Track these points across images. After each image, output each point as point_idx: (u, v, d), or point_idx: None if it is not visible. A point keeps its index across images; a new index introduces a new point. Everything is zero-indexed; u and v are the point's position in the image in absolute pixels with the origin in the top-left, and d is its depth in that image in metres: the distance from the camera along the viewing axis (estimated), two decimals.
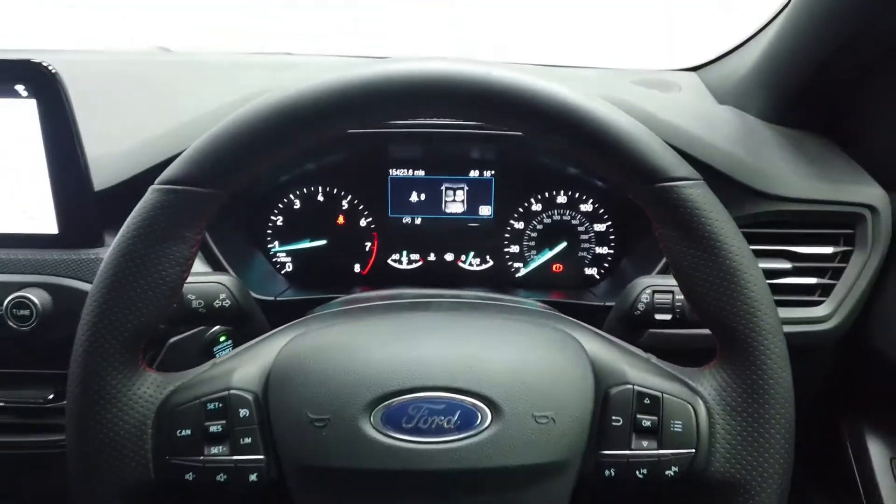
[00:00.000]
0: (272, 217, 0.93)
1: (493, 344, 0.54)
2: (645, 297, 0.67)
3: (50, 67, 0.68)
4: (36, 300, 0.69)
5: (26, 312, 0.69)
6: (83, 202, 0.73)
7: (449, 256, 0.96)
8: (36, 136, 0.71)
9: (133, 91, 0.95)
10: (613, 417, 0.52)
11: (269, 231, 0.94)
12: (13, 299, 0.69)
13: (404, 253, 0.95)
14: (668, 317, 0.67)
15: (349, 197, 0.93)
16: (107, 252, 0.51)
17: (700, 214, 0.50)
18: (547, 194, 0.93)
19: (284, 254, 0.95)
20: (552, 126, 0.49)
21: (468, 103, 0.49)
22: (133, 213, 0.51)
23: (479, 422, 0.51)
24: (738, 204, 0.79)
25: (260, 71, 0.98)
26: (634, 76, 1.02)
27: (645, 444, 0.52)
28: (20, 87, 0.70)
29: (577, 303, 0.87)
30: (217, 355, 0.59)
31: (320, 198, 0.93)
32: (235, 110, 0.50)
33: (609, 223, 0.94)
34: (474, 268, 0.96)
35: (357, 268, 0.96)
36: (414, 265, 0.96)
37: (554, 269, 0.95)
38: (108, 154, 0.79)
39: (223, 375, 0.53)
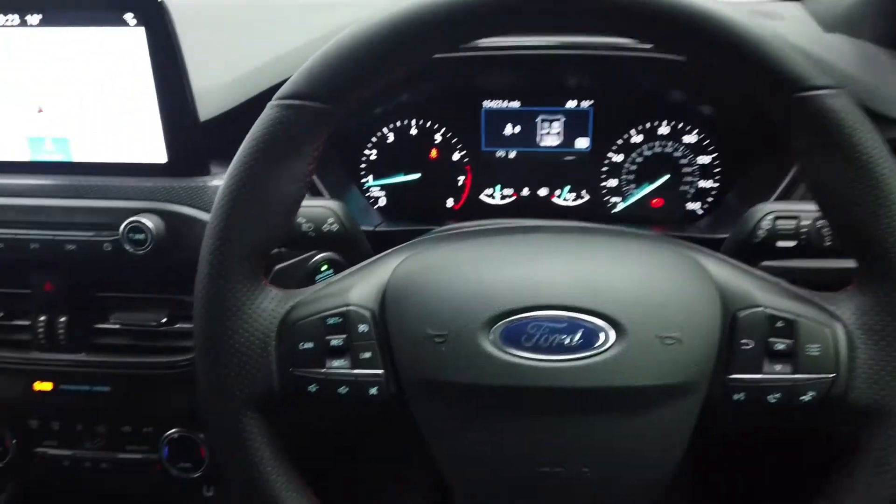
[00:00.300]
0: (366, 151, 0.93)
1: (613, 264, 0.53)
2: (766, 224, 0.64)
3: None
4: (150, 225, 0.71)
5: (141, 237, 0.71)
6: (190, 131, 0.75)
7: (543, 191, 0.94)
8: (144, 65, 0.73)
9: (228, 27, 0.96)
10: (743, 341, 0.50)
11: (364, 165, 0.94)
12: (129, 224, 0.71)
13: (497, 188, 0.94)
14: (792, 243, 0.63)
15: (442, 130, 0.92)
16: (224, 173, 0.52)
17: (844, 124, 0.47)
18: (648, 125, 0.89)
19: (378, 188, 0.95)
20: (686, 32, 0.47)
21: (595, 12, 0.47)
22: (252, 130, 0.51)
23: (602, 341, 0.49)
24: None
25: (351, 7, 0.97)
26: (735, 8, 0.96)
27: (778, 368, 0.50)
28: (128, 16, 0.71)
29: (681, 235, 0.83)
30: None
31: (413, 131, 0.92)
32: (343, 30, 0.49)
33: (715, 154, 0.89)
34: (569, 203, 0.94)
35: (450, 202, 0.95)
36: (507, 200, 0.94)
37: (653, 204, 0.92)
38: (211, 86, 0.80)
39: (341, 292, 0.54)
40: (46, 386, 0.88)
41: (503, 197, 0.94)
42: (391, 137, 0.92)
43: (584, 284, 0.51)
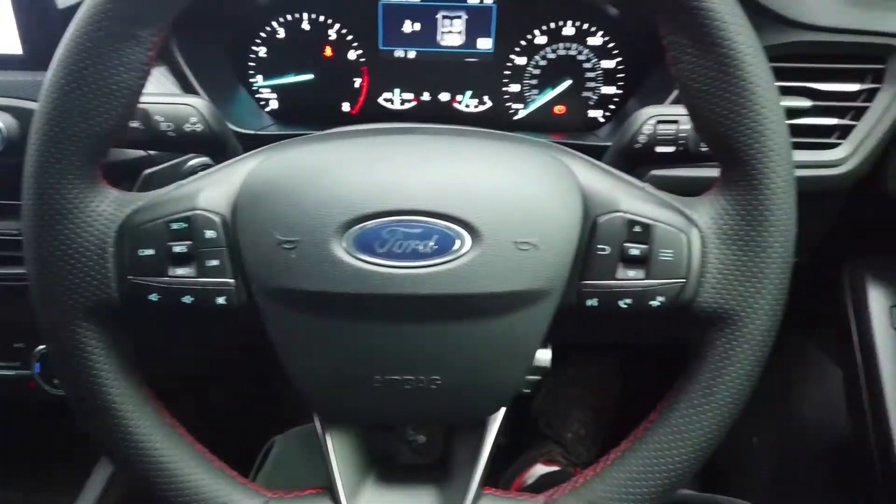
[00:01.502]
0: (254, 48, 0.87)
1: (474, 168, 0.51)
2: (647, 129, 0.62)
3: None
4: (1, 124, 0.65)
5: None
6: (47, 20, 0.68)
7: (444, 96, 0.90)
8: None
9: None
10: (600, 247, 0.49)
11: (252, 63, 0.88)
12: None
13: (397, 91, 0.89)
14: (670, 149, 0.62)
15: (336, 26, 0.86)
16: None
17: (714, 17, 0.44)
18: (553, 25, 0.85)
19: (269, 89, 0.89)
20: None
21: None
22: (80, 11, 0.46)
23: (457, 247, 0.48)
24: (764, 33, 0.72)
25: None
26: None
27: (631, 273, 0.49)
28: None
29: (578, 143, 0.81)
30: None
31: (305, 26, 0.86)
32: None
33: (619, 59, 0.86)
34: (471, 109, 0.90)
35: (346, 107, 0.90)
36: (407, 105, 0.90)
37: (556, 111, 0.90)
38: None
39: (188, 196, 0.50)
40: None
41: (403, 101, 0.90)
42: (282, 33, 0.86)
43: (442, 188, 0.49)
